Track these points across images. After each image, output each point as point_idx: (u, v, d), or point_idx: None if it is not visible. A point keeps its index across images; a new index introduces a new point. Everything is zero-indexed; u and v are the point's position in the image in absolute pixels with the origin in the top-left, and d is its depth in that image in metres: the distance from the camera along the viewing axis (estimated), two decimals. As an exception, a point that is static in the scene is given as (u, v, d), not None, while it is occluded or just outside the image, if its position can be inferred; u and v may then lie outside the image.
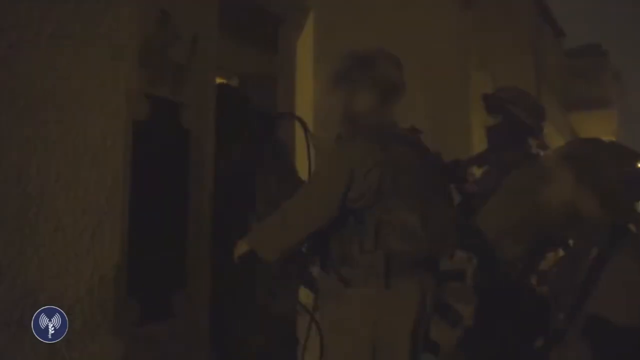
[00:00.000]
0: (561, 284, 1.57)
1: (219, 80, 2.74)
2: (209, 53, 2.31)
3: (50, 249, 1.57)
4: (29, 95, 1.56)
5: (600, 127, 12.97)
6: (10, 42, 1.52)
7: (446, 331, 1.91)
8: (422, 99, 4.32)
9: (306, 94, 2.87)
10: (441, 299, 1.82)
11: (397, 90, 1.77)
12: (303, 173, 2.25)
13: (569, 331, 1.45)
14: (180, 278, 2.12)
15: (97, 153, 1.70)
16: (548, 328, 1.59)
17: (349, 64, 1.80)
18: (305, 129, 2.26)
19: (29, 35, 1.57)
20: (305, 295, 2.32)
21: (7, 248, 1.50)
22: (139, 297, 1.93)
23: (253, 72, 2.88)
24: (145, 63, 2.00)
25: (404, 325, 1.63)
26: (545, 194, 1.60)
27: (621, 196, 1.49)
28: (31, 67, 1.57)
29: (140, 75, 1.97)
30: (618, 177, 1.48)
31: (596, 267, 1.44)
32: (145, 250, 1.96)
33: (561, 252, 2.23)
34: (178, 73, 2.16)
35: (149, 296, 1.97)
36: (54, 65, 1.62)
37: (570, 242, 1.84)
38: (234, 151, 2.33)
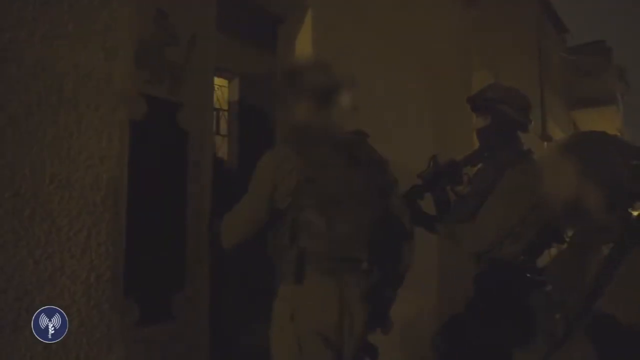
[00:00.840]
0: (565, 282, 1.52)
1: (218, 81, 2.75)
2: (207, 52, 2.30)
3: (46, 250, 1.56)
4: (22, 96, 1.55)
5: (605, 124, 12.88)
6: (3, 42, 1.51)
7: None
8: (423, 98, 4.30)
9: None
10: (378, 304, 1.82)
11: (331, 94, 1.83)
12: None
13: (573, 332, 1.39)
14: (179, 279, 2.11)
15: (93, 153, 1.69)
16: (538, 328, 1.54)
17: (279, 80, 1.93)
18: None
19: (23, 35, 1.55)
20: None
21: (1, 250, 1.49)
22: (138, 298, 1.92)
23: (252, 71, 2.87)
24: (142, 63, 2.00)
25: (321, 324, 1.67)
26: (548, 188, 1.55)
27: (629, 191, 1.44)
28: (25, 68, 1.56)
29: (137, 75, 1.96)
30: (624, 171, 1.43)
31: (608, 267, 1.38)
32: (143, 250, 1.96)
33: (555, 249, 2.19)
34: (176, 73, 2.15)
35: (147, 297, 1.97)
36: (47, 66, 1.61)
37: (569, 238, 1.78)
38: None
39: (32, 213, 1.55)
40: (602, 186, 1.43)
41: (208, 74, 2.36)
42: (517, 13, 7.88)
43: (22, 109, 1.55)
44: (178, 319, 2.06)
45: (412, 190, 2.31)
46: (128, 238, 1.87)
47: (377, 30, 3.61)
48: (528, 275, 2.13)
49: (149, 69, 2.03)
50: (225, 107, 2.94)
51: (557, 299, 1.49)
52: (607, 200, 1.43)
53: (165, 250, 2.07)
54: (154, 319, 1.98)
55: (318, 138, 1.78)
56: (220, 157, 2.93)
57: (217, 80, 2.76)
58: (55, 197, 1.59)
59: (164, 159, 2.10)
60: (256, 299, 2.60)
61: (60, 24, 1.64)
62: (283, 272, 1.72)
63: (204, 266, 2.21)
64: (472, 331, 2.10)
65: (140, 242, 1.94)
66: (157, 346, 1.96)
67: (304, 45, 2.99)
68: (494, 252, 2.18)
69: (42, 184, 1.57)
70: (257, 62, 2.93)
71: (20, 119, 1.54)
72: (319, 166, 1.71)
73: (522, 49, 8.03)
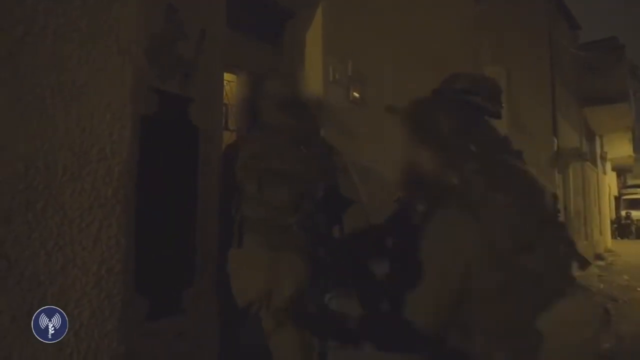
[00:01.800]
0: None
1: (227, 76, 2.76)
2: (217, 48, 2.31)
3: (58, 242, 1.59)
4: (35, 90, 1.57)
5: (616, 121, 12.78)
6: (17, 36, 1.53)
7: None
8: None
9: (314, 89, 2.86)
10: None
11: (292, 102, 2.15)
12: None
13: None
14: (189, 274, 2.13)
15: (104, 147, 1.71)
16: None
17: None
18: None
19: (36, 29, 1.57)
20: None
21: (14, 242, 1.51)
22: (147, 293, 1.94)
23: (261, 67, 2.87)
24: (153, 58, 2.01)
25: (249, 286, 1.94)
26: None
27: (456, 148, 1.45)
28: (38, 62, 1.58)
29: (147, 70, 1.97)
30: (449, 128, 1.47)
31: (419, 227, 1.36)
32: (153, 245, 1.97)
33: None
34: (186, 68, 2.16)
35: (157, 291, 1.98)
36: (60, 60, 1.63)
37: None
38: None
39: (45, 205, 1.57)
40: (432, 148, 1.44)
41: (218, 70, 2.37)
42: (529, 9, 7.81)
43: (36, 103, 1.57)
44: (188, 313, 2.08)
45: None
46: (138, 232, 1.88)
47: (387, 25, 3.60)
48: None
49: (160, 65, 2.04)
50: (234, 102, 2.95)
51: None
52: (441, 162, 1.42)
53: (175, 244, 2.09)
54: (163, 314, 1.99)
55: (276, 131, 2.04)
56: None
57: (227, 76, 2.77)
58: (67, 190, 1.61)
59: (174, 153, 2.12)
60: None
61: (73, 19, 1.65)
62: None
63: (213, 262, 2.22)
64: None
65: (150, 236, 1.95)
66: (165, 341, 1.98)
67: (312, 41, 2.99)
68: None
69: (54, 176, 1.59)
70: (267, 57, 2.93)
71: (34, 113, 1.56)
72: (266, 146, 2.00)
73: (534, 45, 7.97)
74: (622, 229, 21.47)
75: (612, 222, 19.12)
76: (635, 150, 17.82)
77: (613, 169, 19.65)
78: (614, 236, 18.64)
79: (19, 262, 1.51)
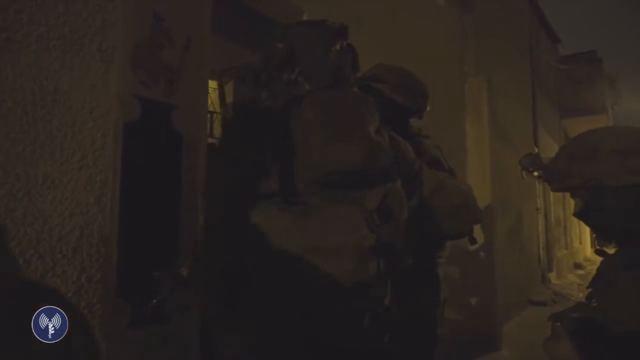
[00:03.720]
0: None
1: (212, 84, 2.76)
2: (202, 55, 2.31)
3: (37, 250, 1.56)
4: (17, 96, 1.56)
5: (595, 133, 13.02)
6: (0, 43, 1.52)
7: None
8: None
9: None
10: None
11: None
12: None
13: None
14: (172, 280, 2.11)
15: (86, 154, 1.69)
16: None
17: None
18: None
19: (18, 36, 1.56)
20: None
21: (-7, 249, 1.49)
22: (129, 300, 1.92)
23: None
24: (137, 65, 2.00)
25: None
26: None
27: None
28: (20, 68, 1.56)
29: (131, 77, 1.97)
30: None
31: None
32: (135, 253, 1.96)
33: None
34: (171, 75, 2.16)
35: (139, 299, 1.96)
36: (42, 67, 1.61)
37: None
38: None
39: (25, 213, 1.55)
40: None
41: (203, 77, 2.37)
42: (511, 22, 7.95)
43: (17, 109, 1.55)
44: (169, 322, 2.06)
45: None
46: (120, 239, 1.87)
47: (372, 35, 3.63)
48: None
49: (144, 71, 2.04)
50: (219, 109, 2.94)
51: None
52: None
53: (157, 252, 2.07)
54: (145, 321, 1.97)
55: None
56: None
57: (211, 83, 2.77)
58: (47, 197, 1.60)
59: (157, 161, 2.11)
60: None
61: (57, 26, 1.64)
62: None
63: (197, 268, 2.21)
64: None
65: (131, 244, 1.94)
66: (148, 348, 1.96)
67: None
68: None
69: (35, 183, 1.57)
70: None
71: (15, 119, 1.54)
72: None
73: (515, 57, 8.11)
74: (601, 238, 21.82)
75: (591, 232, 19.41)
76: (613, 161, 18.11)
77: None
78: (593, 245, 18.92)
79: (-4, 270, 1.49)
